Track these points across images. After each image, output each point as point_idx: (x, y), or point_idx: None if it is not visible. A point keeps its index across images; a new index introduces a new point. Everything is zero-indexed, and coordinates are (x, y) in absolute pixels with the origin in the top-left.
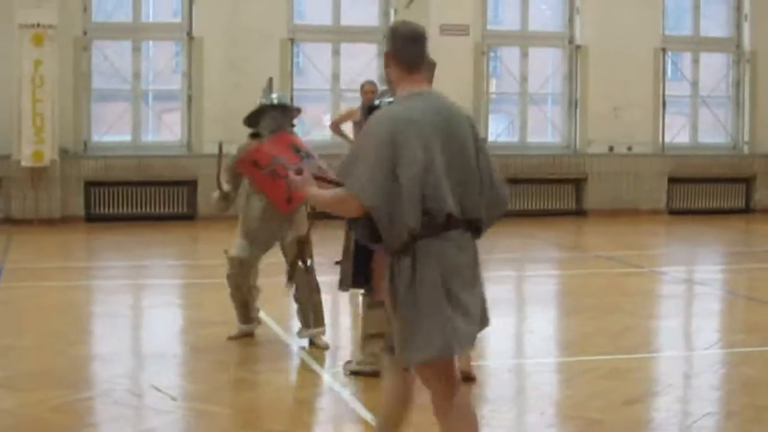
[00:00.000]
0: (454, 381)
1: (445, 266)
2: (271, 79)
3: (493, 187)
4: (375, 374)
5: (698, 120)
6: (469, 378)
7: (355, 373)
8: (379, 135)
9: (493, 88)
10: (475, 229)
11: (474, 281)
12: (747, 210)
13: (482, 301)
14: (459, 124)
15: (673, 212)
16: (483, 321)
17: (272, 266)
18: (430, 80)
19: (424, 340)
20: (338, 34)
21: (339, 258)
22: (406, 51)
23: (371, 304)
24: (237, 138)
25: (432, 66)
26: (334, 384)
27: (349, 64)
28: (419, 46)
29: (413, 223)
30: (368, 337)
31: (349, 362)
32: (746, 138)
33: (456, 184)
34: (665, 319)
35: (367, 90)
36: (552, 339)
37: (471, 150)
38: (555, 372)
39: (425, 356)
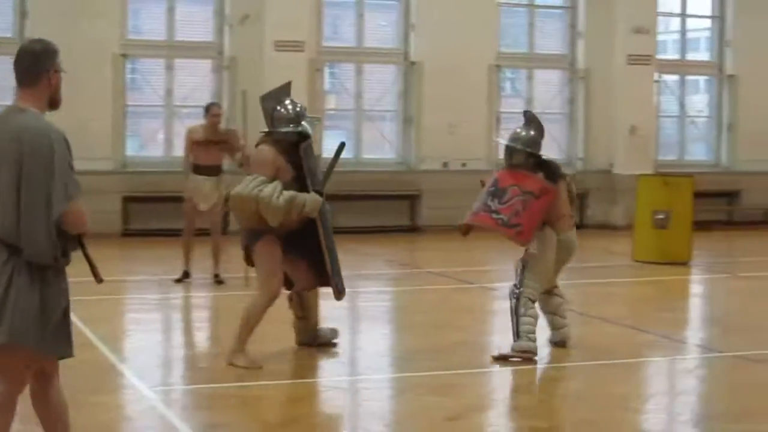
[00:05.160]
0: None
1: None
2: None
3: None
4: None
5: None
6: None
7: None
8: None
9: (331, 104)
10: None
11: None
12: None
13: None
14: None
15: None
16: None
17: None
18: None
19: None
20: (172, 50)
21: None
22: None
23: None
24: None
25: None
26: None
27: (183, 80)
28: (19, 63)
29: None
30: None
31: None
32: (580, 154)
33: None
34: (495, 334)
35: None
36: (381, 355)
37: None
38: (383, 388)
39: None
